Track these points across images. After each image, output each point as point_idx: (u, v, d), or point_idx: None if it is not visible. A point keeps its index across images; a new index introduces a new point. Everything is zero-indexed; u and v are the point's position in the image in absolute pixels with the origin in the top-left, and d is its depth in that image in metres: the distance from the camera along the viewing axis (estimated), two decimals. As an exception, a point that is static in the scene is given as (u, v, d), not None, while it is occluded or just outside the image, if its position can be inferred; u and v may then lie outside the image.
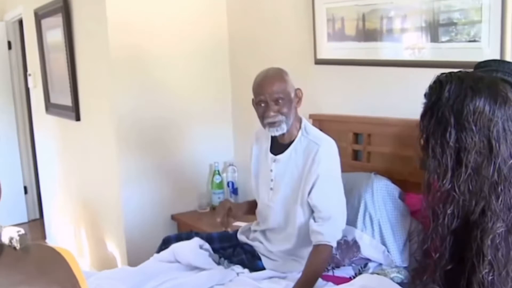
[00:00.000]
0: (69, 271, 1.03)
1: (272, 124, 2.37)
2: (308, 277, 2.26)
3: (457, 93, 1.45)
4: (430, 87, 1.51)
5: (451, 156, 1.44)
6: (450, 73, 1.51)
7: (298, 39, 3.21)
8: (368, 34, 2.76)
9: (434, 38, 2.45)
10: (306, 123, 2.47)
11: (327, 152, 2.36)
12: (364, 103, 2.85)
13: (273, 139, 2.50)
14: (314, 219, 2.34)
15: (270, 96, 2.35)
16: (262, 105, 2.38)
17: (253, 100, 2.45)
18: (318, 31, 3.01)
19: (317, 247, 2.30)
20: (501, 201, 1.40)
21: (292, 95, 2.40)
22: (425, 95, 1.51)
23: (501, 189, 1.40)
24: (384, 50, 2.71)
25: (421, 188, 1.51)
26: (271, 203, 2.48)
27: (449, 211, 1.44)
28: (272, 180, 2.48)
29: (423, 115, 1.51)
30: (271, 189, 2.48)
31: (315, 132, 2.45)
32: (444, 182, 1.43)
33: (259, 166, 2.58)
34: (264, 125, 2.41)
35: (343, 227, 2.36)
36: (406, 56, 2.59)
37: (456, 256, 1.47)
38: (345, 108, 2.94)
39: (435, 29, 2.44)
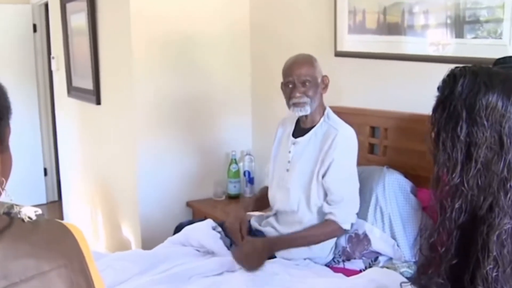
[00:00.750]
0: (76, 247, 1.04)
1: (297, 104, 2.48)
2: (300, 239, 2.43)
3: (471, 87, 1.45)
4: (444, 80, 1.50)
5: (462, 150, 1.43)
6: (464, 67, 1.50)
7: (318, 31, 3.22)
8: (389, 28, 2.76)
9: (459, 34, 2.45)
10: (330, 111, 2.56)
11: (345, 137, 2.45)
12: (382, 97, 2.85)
13: (297, 123, 2.60)
14: (327, 202, 2.42)
15: (298, 78, 2.46)
16: (290, 86, 2.49)
17: (282, 83, 2.55)
18: (339, 23, 3.02)
19: (325, 221, 2.42)
20: (510, 197, 1.39)
21: (319, 80, 2.51)
22: (438, 88, 1.51)
23: (510, 185, 1.40)
24: (405, 44, 2.71)
25: (430, 182, 1.51)
26: (288, 184, 2.53)
27: (457, 206, 1.44)
28: (289, 161, 2.55)
29: (435, 108, 1.51)
30: (287, 170, 2.55)
31: (337, 119, 2.54)
32: (453, 176, 1.43)
33: (279, 149, 2.67)
34: (289, 106, 2.52)
35: (356, 211, 2.43)
36: (430, 51, 2.59)
37: (461, 251, 1.47)
38: (363, 101, 2.95)
39: (460, 25, 2.44)
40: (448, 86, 1.48)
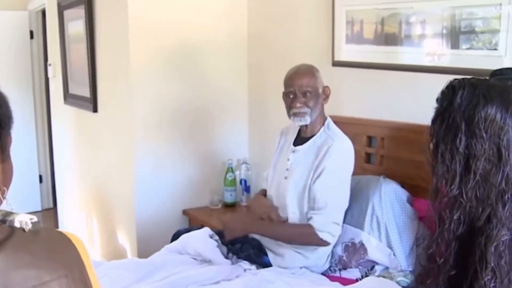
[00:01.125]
0: (77, 256, 1.04)
1: (297, 114, 2.50)
2: (276, 231, 2.51)
3: (469, 100, 1.46)
4: (443, 92, 1.51)
5: (460, 162, 1.45)
6: (463, 79, 1.51)
7: (316, 41, 3.23)
8: (386, 38, 2.78)
9: (455, 45, 2.46)
10: (330, 121, 2.58)
11: (340, 148, 2.46)
12: (379, 107, 2.86)
13: (299, 132, 2.62)
14: (312, 209, 2.45)
15: (299, 88, 2.49)
16: (291, 96, 2.52)
17: (283, 93, 2.58)
18: (337, 33, 3.03)
19: (304, 224, 2.45)
20: (507, 209, 1.41)
21: (320, 91, 2.53)
22: (437, 100, 1.52)
23: (508, 197, 1.41)
24: (402, 54, 2.72)
25: (429, 193, 1.51)
26: (285, 192, 2.55)
27: (455, 217, 1.45)
28: (287, 169, 2.57)
29: (434, 120, 1.52)
30: (285, 178, 2.57)
31: (336, 130, 2.56)
32: (452, 187, 1.44)
33: (280, 156, 2.69)
34: (289, 115, 2.54)
35: (338, 222, 2.43)
36: (426, 61, 2.61)
37: (460, 262, 1.48)
38: (360, 110, 2.96)
39: (456, 36, 2.45)
40: (447, 98, 1.49)
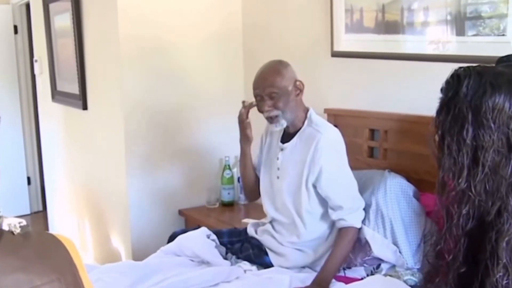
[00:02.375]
0: (69, 260, 1.04)
1: (270, 119, 2.50)
2: (335, 259, 2.41)
3: (476, 89, 1.45)
4: (447, 82, 1.50)
5: (468, 154, 1.44)
6: (468, 67, 1.50)
7: (314, 30, 3.23)
8: (388, 26, 2.77)
9: (460, 32, 2.45)
10: (312, 113, 2.55)
11: (329, 139, 2.45)
12: (381, 98, 2.86)
13: (285, 129, 2.59)
14: (331, 208, 2.45)
15: (264, 91, 2.47)
16: (258, 99, 2.51)
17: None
18: (336, 22, 3.02)
19: (340, 230, 2.45)
20: (519, 202, 1.40)
21: (290, 88, 2.48)
22: (441, 89, 1.51)
23: (519, 190, 1.41)
24: (405, 43, 2.71)
25: (436, 187, 1.51)
26: (279, 193, 2.56)
27: (464, 212, 1.44)
28: (278, 168, 2.57)
29: (439, 111, 1.51)
30: (278, 177, 2.57)
31: (320, 121, 2.54)
32: (460, 181, 1.43)
33: (268, 155, 2.68)
34: (266, 119, 2.54)
35: (362, 206, 2.45)
36: (430, 50, 2.59)
37: (470, 259, 1.47)
38: (362, 103, 2.96)
39: (461, 22, 2.44)
40: (452, 88, 1.49)
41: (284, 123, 2.48)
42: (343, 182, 2.46)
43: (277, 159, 2.58)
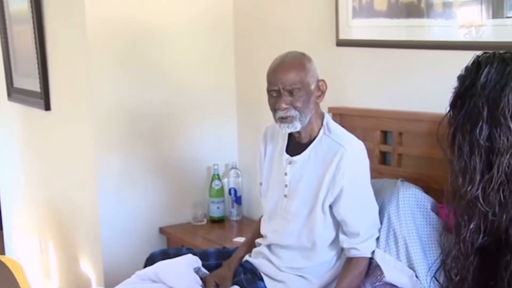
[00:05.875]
0: (14, 284, 1.11)
1: (283, 120, 2.47)
2: None
3: (496, 80, 1.46)
4: (466, 69, 1.49)
5: (481, 157, 1.45)
6: (494, 52, 1.49)
7: (316, 15, 3.25)
8: (402, 9, 2.77)
9: (497, 13, 2.40)
10: (329, 120, 2.56)
11: (354, 157, 2.45)
12: (396, 95, 2.87)
13: (290, 137, 2.59)
14: (344, 233, 2.47)
15: (284, 85, 2.43)
16: (274, 95, 2.48)
17: (267, 90, 2.54)
18: (342, 5, 3.04)
19: (351, 260, 2.47)
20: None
21: (313, 87, 2.48)
22: (458, 77, 1.50)
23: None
24: (426, 28, 2.70)
25: (444, 194, 1.49)
26: (286, 214, 2.56)
27: (471, 226, 1.44)
28: (286, 185, 2.57)
29: (452, 104, 1.51)
30: (285, 196, 2.57)
31: (339, 131, 2.54)
32: (470, 188, 1.44)
33: (272, 169, 2.67)
34: (275, 120, 2.51)
35: (377, 234, 2.47)
36: (458, 36, 2.56)
37: (482, 283, 1.46)
38: (372, 100, 2.98)
39: (499, 0, 2.39)
40: (469, 76, 1.49)
41: (298, 127, 2.47)
42: (365, 206, 2.46)
43: (285, 174, 2.57)
